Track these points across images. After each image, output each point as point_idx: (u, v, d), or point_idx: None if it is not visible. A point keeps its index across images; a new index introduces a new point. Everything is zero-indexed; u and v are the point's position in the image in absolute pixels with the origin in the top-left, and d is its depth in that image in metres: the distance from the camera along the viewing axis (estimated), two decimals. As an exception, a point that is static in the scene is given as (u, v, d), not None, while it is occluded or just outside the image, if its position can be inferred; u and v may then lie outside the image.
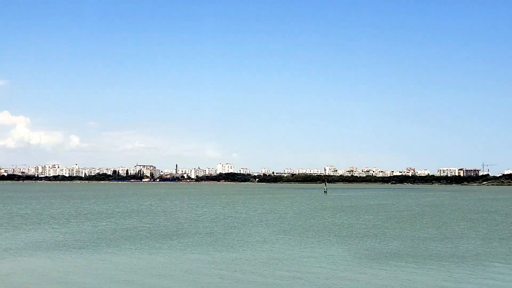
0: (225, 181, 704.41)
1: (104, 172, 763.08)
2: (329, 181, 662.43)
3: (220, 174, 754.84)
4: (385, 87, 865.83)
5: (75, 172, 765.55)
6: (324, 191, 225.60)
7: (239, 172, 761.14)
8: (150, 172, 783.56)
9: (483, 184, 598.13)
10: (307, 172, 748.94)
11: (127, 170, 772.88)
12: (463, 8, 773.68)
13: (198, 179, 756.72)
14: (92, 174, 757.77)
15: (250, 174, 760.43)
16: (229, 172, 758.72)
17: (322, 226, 68.36)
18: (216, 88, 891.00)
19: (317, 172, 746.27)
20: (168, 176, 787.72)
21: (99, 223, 71.91)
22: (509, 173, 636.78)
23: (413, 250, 46.44)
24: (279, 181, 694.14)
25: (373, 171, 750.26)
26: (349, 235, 58.40)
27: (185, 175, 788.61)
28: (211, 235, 57.28)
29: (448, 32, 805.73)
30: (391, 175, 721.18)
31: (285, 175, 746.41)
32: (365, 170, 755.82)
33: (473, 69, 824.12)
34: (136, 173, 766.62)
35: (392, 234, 59.29)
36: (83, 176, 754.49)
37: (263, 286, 30.93)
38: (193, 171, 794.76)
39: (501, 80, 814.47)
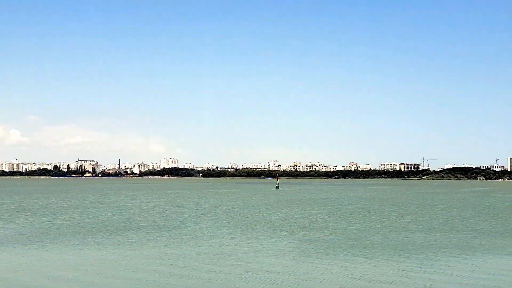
0: (169, 176, 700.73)
1: (45, 167, 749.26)
2: (273, 176, 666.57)
3: (164, 169, 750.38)
4: (327, 84, 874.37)
5: (15, 167, 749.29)
6: (276, 186, 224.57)
7: (183, 167, 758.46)
8: (92, 167, 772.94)
9: (423, 179, 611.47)
10: (251, 167, 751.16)
11: (68, 165, 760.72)
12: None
13: (142, 174, 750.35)
14: (33, 169, 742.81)
15: (194, 169, 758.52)
16: (173, 167, 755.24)
17: (270, 220, 68.48)
18: (159, 82, 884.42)
19: (261, 167, 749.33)
20: (111, 171, 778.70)
21: (44, 218, 70.35)
22: (448, 167, 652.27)
23: (360, 243, 46.84)
24: (223, 176, 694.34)
25: (317, 166, 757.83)
26: (297, 228, 58.57)
27: (128, 170, 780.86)
28: (158, 230, 56.65)
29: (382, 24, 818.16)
30: (334, 170, 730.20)
31: (229, 170, 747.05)
32: (308, 165, 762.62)
33: (410, 64, 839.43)
34: (77, 168, 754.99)
35: (339, 228, 59.76)
36: (23, 171, 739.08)
37: (213, 281, 30.64)
38: (136, 166, 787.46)
39: (442, 76, 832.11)
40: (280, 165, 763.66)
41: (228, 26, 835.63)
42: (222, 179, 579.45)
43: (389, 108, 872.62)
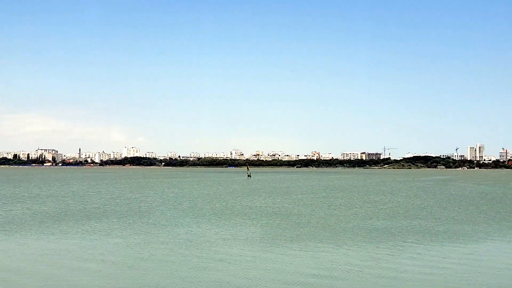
0: (130, 165, 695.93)
1: (4, 156, 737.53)
2: (235, 165, 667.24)
3: (126, 158, 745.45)
4: (290, 73, 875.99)
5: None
6: (248, 175, 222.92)
7: (145, 156, 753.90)
8: (52, 156, 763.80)
9: (384, 167, 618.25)
10: (213, 156, 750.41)
11: (28, 154, 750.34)
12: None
13: (103, 163, 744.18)
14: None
15: (156, 158, 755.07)
16: (135, 156, 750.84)
17: (237, 209, 68.26)
18: (120, 70, 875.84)
19: (223, 156, 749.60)
20: (71, 160, 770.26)
21: (7, 207, 69.10)
22: (409, 156, 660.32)
23: (327, 231, 46.88)
24: (185, 165, 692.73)
25: (279, 155, 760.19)
26: (264, 217, 58.45)
27: (89, 159, 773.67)
28: (124, 219, 55.93)
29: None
30: (297, 159, 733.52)
31: (192, 159, 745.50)
32: (271, 154, 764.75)
33: (371, 54, 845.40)
34: (37, 157, 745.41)
35: (305, 216, 59.77)
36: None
37: (182, 270, 30.33)
38: (97, 155, 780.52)
39: (402, 66, 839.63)
40: (243, 154, 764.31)
41: (193, 16, 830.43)
42: (184, 168, 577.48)
43: (350, 97, 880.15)
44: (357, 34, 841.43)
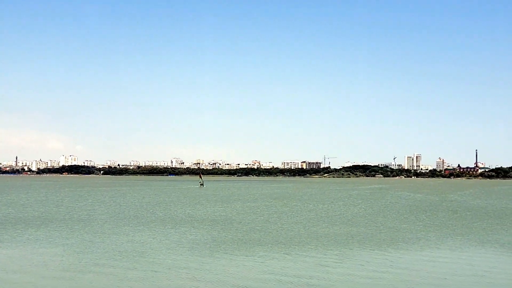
0: (68, 174, 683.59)
1: None
2: (176, 174, 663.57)
3: (63, 166, 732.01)
4: (230, 83, 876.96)
5: None
6: (201, 184, 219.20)
7: (83, 164, 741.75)
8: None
9: (324, 176, 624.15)
10: (153, 165, 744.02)
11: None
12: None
13: (40, 171, 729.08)
14: None
15: (94, 167, 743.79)
16: (73, 164, 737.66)
17: (180, 217, 67.93)
18: (57, 77, 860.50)
19: (164, 165, 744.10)
20: (8, 168, 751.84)
21: None
22: (348, 165, 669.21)
23: (274, 238, 47.10)
24: (125, 173, 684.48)
25: (220, 164, 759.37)
26: (209, 225, 58.26)
27: (25, 168, 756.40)
28: (65, 228, 54.82)
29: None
30: (237, 168, 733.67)
31: (131, 167, 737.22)
32: (211, 163, 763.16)
33: (311, 65, 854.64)
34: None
35: (249, 224, 59.88)
36: None
37: (126, 278, 30.03)
38: (34, 163, 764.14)
39: (343, 76, 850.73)
40: (183, 163, 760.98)
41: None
42: (124, 177, 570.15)
43: (291, 106, 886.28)
44: (297, 45, 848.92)
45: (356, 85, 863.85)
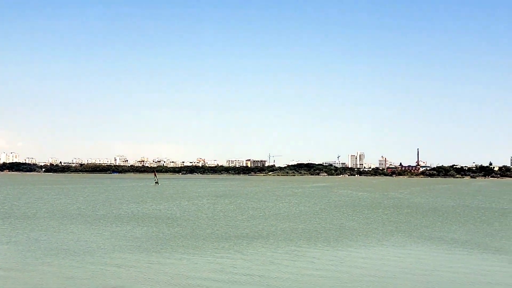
0: (9, 171, 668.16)
1: None
2: (119, 172, 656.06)
3: (4, 163, 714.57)
4: (174, 80, 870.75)
5: None
6: (156, 182, 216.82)
7: (24, 161, 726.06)
8: None
9: (269, 174, 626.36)
10: (96, 162, 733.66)
11: None
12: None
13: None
14: None
15: (36, 164, 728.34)
16: (14, 161, 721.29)
17: (129, 215, 67.31)
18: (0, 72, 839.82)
19: (107, 162, 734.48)
20: None
21: None
22: (293, 164, 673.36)
23: (223, 235, 47.05)
24: (68, 171, 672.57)
25: (164, 162, 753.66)
26: (159, 222, 57.92)
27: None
28: (8, 226, 53.51)
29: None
30: (182, 166, 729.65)
31: (74, 165, 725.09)
32: (156, 161, 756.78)
33: (252, 65, 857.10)
34: None
35: (200, 221, 59.78)
36: None
37: (77, 276, 29.65)
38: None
39: (285, 75, 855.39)
40: (127, 160, 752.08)
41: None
42: (66, 175, 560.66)
43: (235, 105, 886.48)
44: (243, 41, 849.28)
45: (300, 84, 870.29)
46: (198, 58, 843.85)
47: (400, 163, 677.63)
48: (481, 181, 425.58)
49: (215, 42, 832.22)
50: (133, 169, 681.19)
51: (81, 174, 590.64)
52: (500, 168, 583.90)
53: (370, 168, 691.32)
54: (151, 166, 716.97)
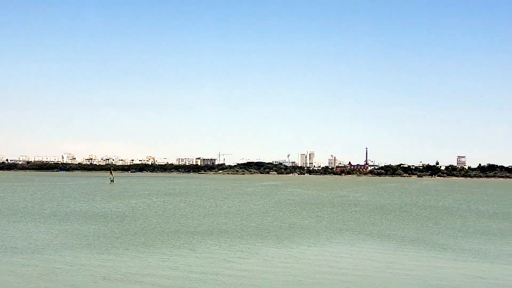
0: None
1: None
2: (67, 170, 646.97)
3: None
4: (122, 78, 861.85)
5: None
6: (111, 180, 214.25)
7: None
8: None
9: (219, 173, 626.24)
10: (44, 160, 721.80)
11: None
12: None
13: None
14: None
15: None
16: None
17: (78, 213, 66.48)
18: None
19: (54, 160, 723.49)
20: None
21: None
22: (243, 162, 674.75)
23: (177, 234, 46.91)
24: (14, 168, 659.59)
25: (113, 159, 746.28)
26: (110, 221, 57.30)
27: None
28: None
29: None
30: (131, 164, 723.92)
31: (20, 162, 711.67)
32: (104, 158, 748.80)
33: (197, 61, 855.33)
34: None
35: (151, 219, 59.36)
36: None
37: (29, 275, 29.21)
38: None
39: (239, 73, 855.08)
40: (75, 158, 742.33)
41: None
42: (12, 172, 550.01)
43: (185, 102, 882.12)
44: (202, 37, 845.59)
45: (250, 83, 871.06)
46: (148, 55, 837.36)
47: (349, 162, 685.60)
48: (427, 180, 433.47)
49: (161, 38, 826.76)
50: (81, 167, 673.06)
51: (28, 172, 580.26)
52: (446, 168, 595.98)
53: (319, 167, 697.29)
54: (100, 164, 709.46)
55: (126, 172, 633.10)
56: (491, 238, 48.88)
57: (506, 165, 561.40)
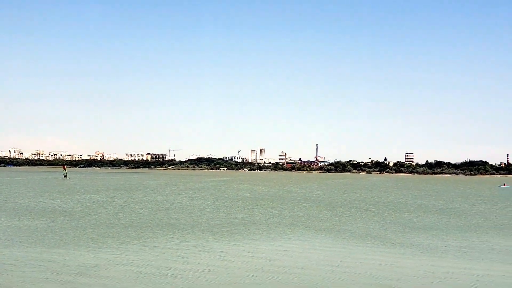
0: None
1: None
2: (14, 164, 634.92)
3: None
4: (71, 71, 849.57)
5: None
6: (64, 176, 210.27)
7: None
8: None
9: (169, 168, 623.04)
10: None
11: None
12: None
13: None
14: None
15: None
16: None
17: (25, 208, 65.48)
18: None
19: (1, 155, 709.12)
20: None
21: None
22: (193, 158, 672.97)
23: (129, 230, 46.67)
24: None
25: (61, 155, 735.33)
26: (56, 216, 56.65)
27: None
28: None
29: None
30: (80, 159, 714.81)
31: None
32: (52, 154, 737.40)
33: (140, 56, 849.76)
34: None
35: (99, 215, 58.93)
36: None
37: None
38: None
39: (180, 69, 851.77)
40: (22, 153, 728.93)
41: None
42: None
43: (135, 98, 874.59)
44: (141, 31, 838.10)
45: (200, 78, 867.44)
46: (95, 48, 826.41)
47: (300, 159, 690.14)
48: (376, 176, 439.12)
49: (101, 31, 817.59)
50: (29, 162, 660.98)
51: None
52: (394, 164, 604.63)
53: (270, 163, 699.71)
54: (47, 160, 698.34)
55: (75, 168, 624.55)
56: (438, 233, 49.98)
57: (453, 162, 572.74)
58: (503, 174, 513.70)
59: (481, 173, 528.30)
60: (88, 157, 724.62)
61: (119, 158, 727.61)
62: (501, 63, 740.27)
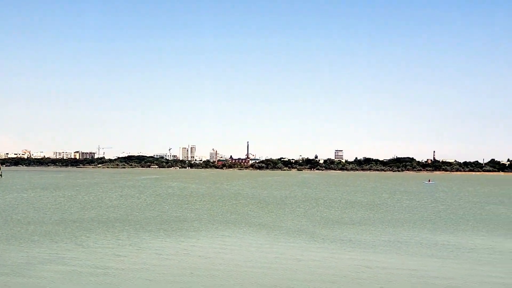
0: None
1: None
2: None
3: None
4: (14, 66, 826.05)
5: None
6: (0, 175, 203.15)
7: None
8: None
9: (98, 167, 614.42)
10: None
11: None
12: None
13: None
14: None
15: None
16: None
17: None
18: None
19: None
20: None
21: None
22: (123, 156, 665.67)
23: (64, 228, 46.08)
24: None
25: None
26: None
27: None
28: None
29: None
30: (6, 158, 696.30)
31: None
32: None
33: (80, 54, 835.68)
34: None
35: (29, 215, 57.88)
36: None
37: None
38: None
39: (109, 67, 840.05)
40: None
41: None
42: None
43: (64, 94, 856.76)
44: (80, 27, 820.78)
45: (131, 77, 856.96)
46: (23, 44, 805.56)
47: (231, 156, 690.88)
48: (307, 173, 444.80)
49: (28, 27, 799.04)
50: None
51: None
52: (325, 161, 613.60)
53: (201, 160, 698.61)
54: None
55: (2, 166, 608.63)
56: (368, 228, 51.19)
57: (381, 159, 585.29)
58: (429, 170, 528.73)
59: (408, 170, 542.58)
60: (15, 156, 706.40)
61: (46, 156, 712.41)
62: (421, 61, 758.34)
